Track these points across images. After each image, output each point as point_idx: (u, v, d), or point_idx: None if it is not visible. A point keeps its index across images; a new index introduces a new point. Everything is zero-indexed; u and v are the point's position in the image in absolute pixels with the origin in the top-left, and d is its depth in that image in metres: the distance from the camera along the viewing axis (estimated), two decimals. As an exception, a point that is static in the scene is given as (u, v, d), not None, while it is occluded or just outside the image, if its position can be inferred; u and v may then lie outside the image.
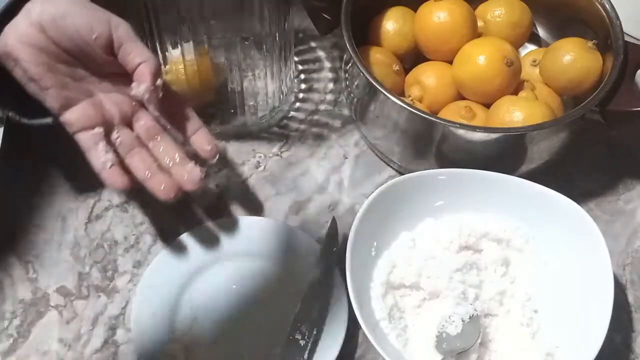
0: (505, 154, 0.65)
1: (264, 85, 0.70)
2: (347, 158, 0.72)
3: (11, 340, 0.59)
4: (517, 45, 0.74)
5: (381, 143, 0.69)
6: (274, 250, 0.63)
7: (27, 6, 0.51)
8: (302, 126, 0.74)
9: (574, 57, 0.67)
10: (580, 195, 0.69)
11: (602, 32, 0.68)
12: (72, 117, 0.55)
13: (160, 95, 0.55)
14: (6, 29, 0.51)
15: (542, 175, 0.64)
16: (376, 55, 0.69)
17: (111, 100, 0.57)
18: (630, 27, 0.71)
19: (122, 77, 0.56)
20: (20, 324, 0.60)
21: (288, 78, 0.73)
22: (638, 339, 0.62)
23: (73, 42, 0.53)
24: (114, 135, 0.56)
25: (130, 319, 0.59)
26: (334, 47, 0.80)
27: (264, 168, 0.71)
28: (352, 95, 0.69)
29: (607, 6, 0.68)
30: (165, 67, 0.68)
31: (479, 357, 0.57)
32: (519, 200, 0.62)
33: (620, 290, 0.64)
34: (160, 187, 0.55)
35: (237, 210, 0.68)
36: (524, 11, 0.72)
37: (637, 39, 0.80)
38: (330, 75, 0.78)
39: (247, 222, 0.65)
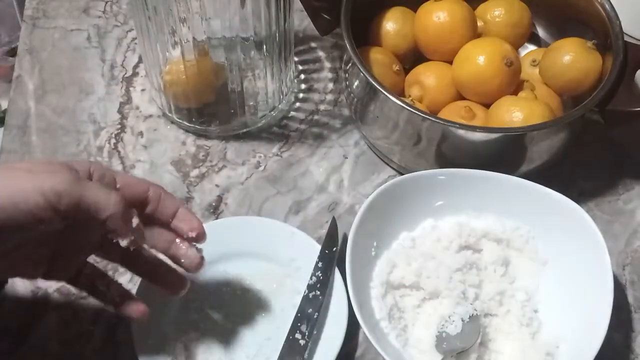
0: (505, 154, 0.65)
1: (264, 85, 0.70)
2: (347, 158, 0.72)
3: (12, 339, 0.59)
4: (516, 45, 0.74)
5: (381, 143, 0.69)
6: (273, 250, 0.62)
7: None
8: (302, 126, 0.74)
9: (573, 57, 0.67)
10: (580, 195, 0.69)
11: (602, 32, 0.68)
12: (52, 281, 0.49)
13: (135, 236, 0.46)
14: None
15: (542, 175, 0.64)
16: (376, 56, 0.70)
17: (84, 239, 0.50)
18: (630, 27, 0.72)
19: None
20: (20, 323, 0.60)
21: (288, 78, 0.74)
22: (638, 339, 0.62)
23: (12, 229, 0.42)
24: (100, 262, 0.52)
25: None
26: (334, 47, 0.80)
27: (264, 168, 0.71)
28: (352, 95, 0.70)
29: (606, 6, 0.68)
30: (165, 67, 0.68)
31: (479, 357, 0.57)
32: (519, 200, 0.62)
33: (619, 290, 0.65)
34: (169, 286, 0.53)
35: (237, 210, 0.68)
36: (524, 11, 0.72)
37: (637, 39, 0.80)
38: (330, 75, 0.78)
39: (247, 222, 0.65)
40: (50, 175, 0.42)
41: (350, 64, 0.68)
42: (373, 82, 0.62)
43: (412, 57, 0.74)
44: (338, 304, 0.59)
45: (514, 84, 0.68)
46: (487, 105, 0.68)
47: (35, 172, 0.42)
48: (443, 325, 0.57)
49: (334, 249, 0.61)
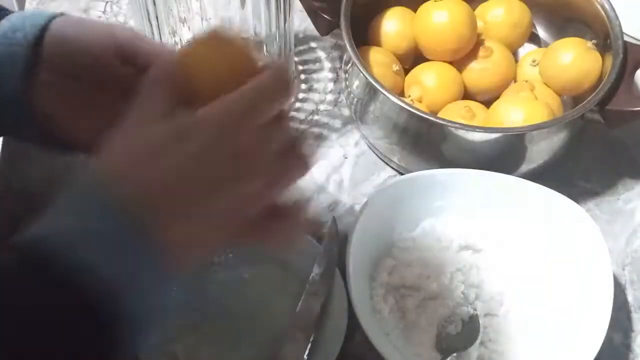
0: (505, 154, 0.65)
1: (264, 85, 0.70)
2: (347, 158, 0.72)
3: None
4: (516, 45, 0.74)
5: (381, 143, 0.70)
6: (274, 251, 0.62)
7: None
8: (302, 126, 0.74)
9: (573, 57, 0.67)
10: (579, 195, 0.69)
11: (602, 32, 0.68)
12: None
13: None
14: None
15: (542, 175, 0.64)
16: (376, 56, 0.70)
17: None
18: (629, 27, 0.71)
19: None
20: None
21: (288, 78, 0.74)
22: (637, 339, 0.62)
23: (88, 64, 0.48)
24: None
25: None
26: (334, 48, 0.80)
27: (264, 168, 0.71)
28: (352, 95, 0.70)
29: (606, 6, 0.68)
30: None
31: (479, 357, 0.58)
32: (518, 200, 0.62)
33: (619, 290, 0.65)
34: None
35: (237, 210, 0.68)
36: (524, 11, 0.73)
37: (637, 39, 0.80)
38: (330, 75, 0.78)
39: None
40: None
41: (350, 64, 0.68)
42: (373, 83, 0.62)
43: (412, 57, 0.74)
44: (338, 304, 0.59)
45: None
46: (487, 105, 0.68)
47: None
48: (443, 325, 0.58)
49: (334, 249, 0.62)
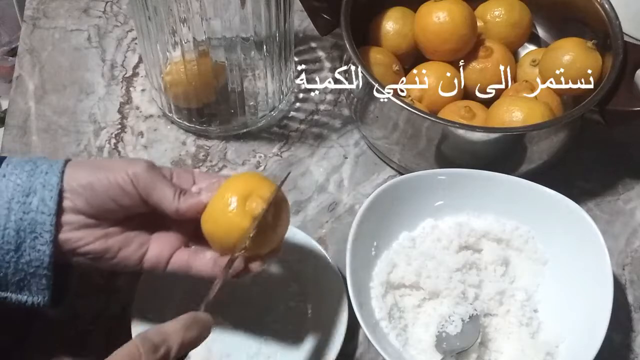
0: (505, 154, 0.65)
1: (264, 85, 0.70)
2: (347, 158, 0.72)
3: (13, 338, 0.59)
4: (516, 45, 0.74)
5: (381, 143, 0.70)
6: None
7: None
8: (302, 126, 0.74)
9: (573, 57, 0.67)
10: (579, 195, 0.69)
11: (602, 32, 0.68)
12: (152, 255, 0.53)
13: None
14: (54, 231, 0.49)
15: (542, 175, 0.64)
16: (376, 56, 0.70)
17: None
18: (629, 27, 0.72)
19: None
20: (21, 321, 0.60)
21: (288, 78, 0.74)
22: (637, 339, 0.63)
23: (110, 207, 0.50)
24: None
25: (132, 319, 0.59)
26: (334, 47, 0.80)
27: (264, 168, 0.71)
28: (352, 95, 0.70)
29: (606, 6, 0.68)
30: (166, 67, 0.68)
31: (479, 357, 0.58)
32: (518, 200, 0.62)
33: (619, 290, 0.65)
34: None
35: (237, 210, 0.68)
36: (524, 11, 0.73)
37: (637, 39, 0.80)
38: (330, 75, 0.78)
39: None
40: (131, 162, 0.51)
41: (350, 64, 0.68)
42: (373, 82, 0.62)
43: (412, 57, 0.74)
44: (338, 304, 0.60)
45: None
46: (487, 105, 0.68)
47: (120, 161, 0.54)
48: (443, 325, 0.58)
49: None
